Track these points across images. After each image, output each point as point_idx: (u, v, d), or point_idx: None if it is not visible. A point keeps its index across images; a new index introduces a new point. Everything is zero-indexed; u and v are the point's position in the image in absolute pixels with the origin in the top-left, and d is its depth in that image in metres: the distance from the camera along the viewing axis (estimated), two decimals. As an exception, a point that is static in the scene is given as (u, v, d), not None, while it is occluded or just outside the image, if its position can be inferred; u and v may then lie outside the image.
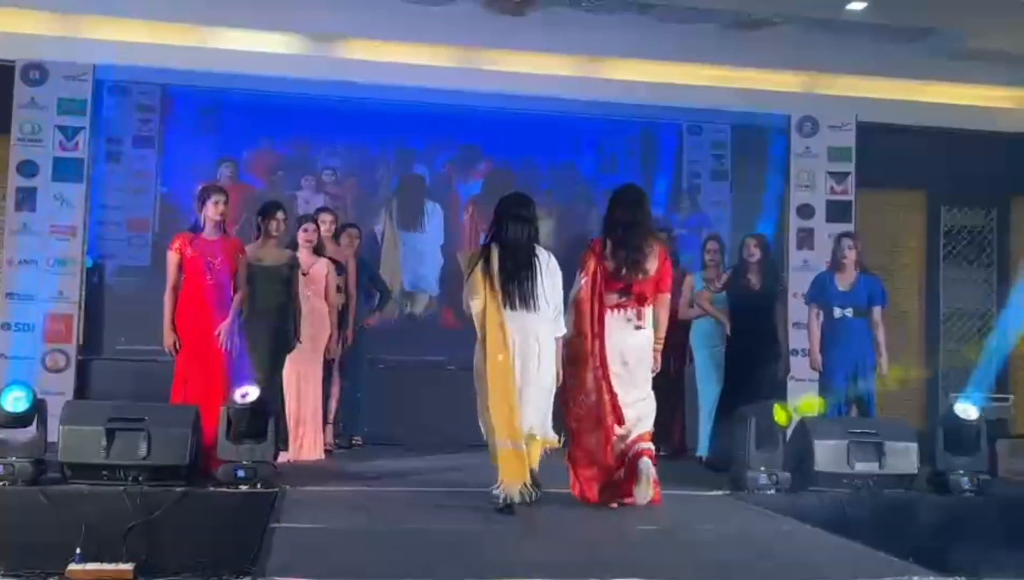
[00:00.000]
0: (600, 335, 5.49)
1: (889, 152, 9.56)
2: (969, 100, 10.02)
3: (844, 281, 7.18)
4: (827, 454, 6.23)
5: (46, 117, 8.52)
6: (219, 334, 6.32)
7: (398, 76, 9.10)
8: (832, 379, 7.10)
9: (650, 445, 5.63)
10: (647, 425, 5.65)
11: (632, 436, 5.58)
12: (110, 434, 5.58)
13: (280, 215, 6.92)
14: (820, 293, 7.24)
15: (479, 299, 5.33)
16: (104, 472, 5.57)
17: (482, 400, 5.43)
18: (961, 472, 6.33)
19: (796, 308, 8.25)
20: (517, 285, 5.31)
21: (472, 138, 10.22)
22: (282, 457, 6.58)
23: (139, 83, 9.62)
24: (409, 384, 8.46)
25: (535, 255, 5.39)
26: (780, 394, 7.46)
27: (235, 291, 6.46)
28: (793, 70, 9.82)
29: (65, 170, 8.51)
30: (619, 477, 5.58)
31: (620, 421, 5.51)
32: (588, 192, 10.07)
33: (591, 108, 9.80)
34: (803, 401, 6.81)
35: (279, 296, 6.82)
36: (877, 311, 7.14)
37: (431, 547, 4.69)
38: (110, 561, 5.05)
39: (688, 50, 9.44)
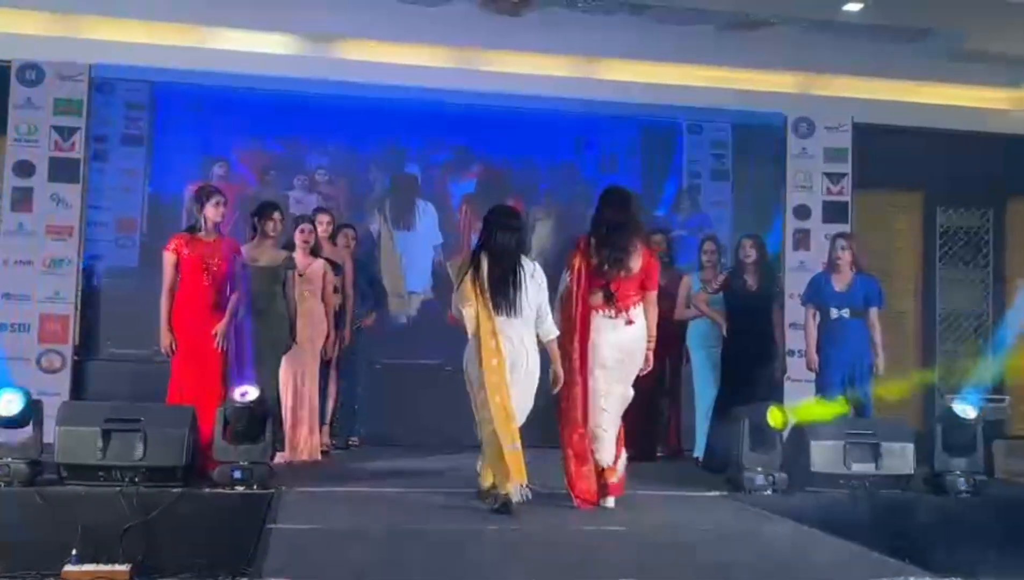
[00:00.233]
0: (582, 331, 5.60)
1: (885, 153, 9.56)
2: (965, 101, 10.03)
3: (840, 282, 7.18)
4: (823, 455, 6.24)
5: (42, 117, 8.51)
6: (215, 335, 6.31)
7: (394, 76, 9.09)
8: (829, 380, 7.09)
9: (617, 478, 5.69)
10: (606, 456, 5.67)
11: (600, 453, 5.66)
12: (106, 435, 5.57)
13: (277, 216, 6.92)
14: (816, 294, 7.24)
15: (471, 306, 5.47)
16: (100, 473, 5.56)
17: (475, 402, 5.55)
18: (957, 473, 6.34)
19: (793, 309, 8.26)
20: (504, 292, 5.47)
21: (466, 137, 10.12)
22: (279, 458, 6.59)
23: (127, 80, 9.37)
24: (406, 385, 8.46)
25: (521, 265, 5.55)
26: (777, 395, 7.47)
27: (231, 292, 6.45)
28: (789, 71, 9.83)
29: (61, 170, 8.49)
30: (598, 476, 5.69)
31: (586, 420, 5.63)
32: (588, 192, 9.97)
33: (590, 107, 9.76)
34: (802, 409, 6.75)
35: (275, 297, 6.81)
36: (874, 312, 7.14)
37: (428, 548, 4.69)
38: (106, 562, 5.04)
39: (685, 51, 9.44)
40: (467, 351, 5.58)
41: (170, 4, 8.72)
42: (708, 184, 10.43)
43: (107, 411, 5.75)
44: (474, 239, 6.42)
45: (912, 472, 6.36)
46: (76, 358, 8.50)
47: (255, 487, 5.64)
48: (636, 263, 5.68)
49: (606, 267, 5.63)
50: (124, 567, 5.03)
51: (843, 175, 9.66)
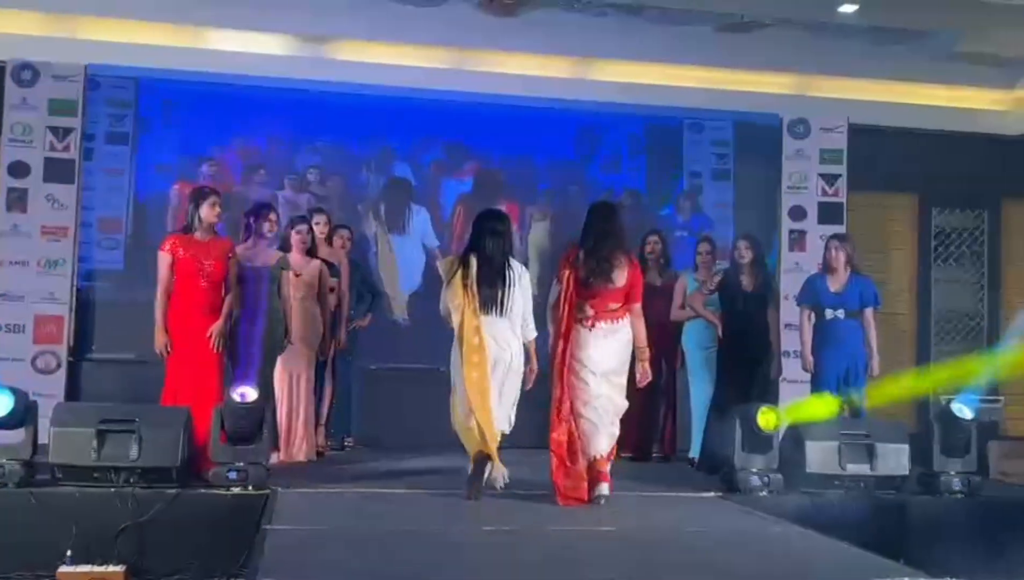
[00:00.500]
0: (565, 338, 5.80)
1: (881, 154, 9.59)
2: (960, 103, 10.05)
3: (835, 283, 7.19)
4: (819, 455, 6.24)
5: (37, 118, 8.50)
6: (211, 336, 6.30)
7: (388, 77, 9.08)
8: (824, 380, 7.10)
9: (605, 485, 5.80)
10: (603, 445, 5.82)
11: (592, 452, 5.80)
12: (101, 436, 5.56)
13: (273, 216, 6.92)
14: (812, 295, 7.25)
15: (458, 304, 5.73)
16: (95, 474, 5.54)
17: (456, 395, 5.85)
18: (952, 473, 6.35)
19: (788, 310, 8.27)
20: (491, 291, 5.74)
21: (460, 136, 9.98)
22: (273, 458, 6.57)
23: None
24: (401, 386, 8.45)
25: (509, 266, 5.82)
26: (772, 396, 7.47)
27: (226, 293, 6.44)
28: (785, 72, 9.83)
29: (56, 171, 8.48)
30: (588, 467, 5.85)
31: (574, 421, 5.80)
32: (587, 192, 9.98)
33: (588, 107, 9.73)
34: (794, 408, 6.74)
35: (269, 297, 6.80)
36: (869, 312, 7.15)
37: (423, 549, 4.69)
38: (101, 563, 5.05)
39: (680, 52, 9.44)
40: (453, 346, 5.82)
41: (166, 4, 8.69)
42: (709, 184, 10.30)
43: (102, 412, 5.73)
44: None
45: (907, 473, 6.37)
46: (71, 359, 8.49)
47: (250, 488, 5.63)
48: (621, 277, 5.89)
49: (592, 279, 5.83)
50: (119, 568, 5.04)
51: (838, 176, 9.67)
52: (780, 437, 6.36)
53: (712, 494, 6.24)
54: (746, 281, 7.40)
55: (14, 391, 5.65)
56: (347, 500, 5.90)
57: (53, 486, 5.54)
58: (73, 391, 8.36)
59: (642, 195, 10.14)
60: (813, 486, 6.18)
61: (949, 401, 6.72)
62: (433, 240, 9.68)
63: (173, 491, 5.50)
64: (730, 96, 9.68)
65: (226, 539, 5.27)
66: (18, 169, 8.45)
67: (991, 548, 5.37)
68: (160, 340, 6.26)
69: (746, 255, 7.41)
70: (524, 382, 5.92)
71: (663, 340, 7.91)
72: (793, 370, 7.89)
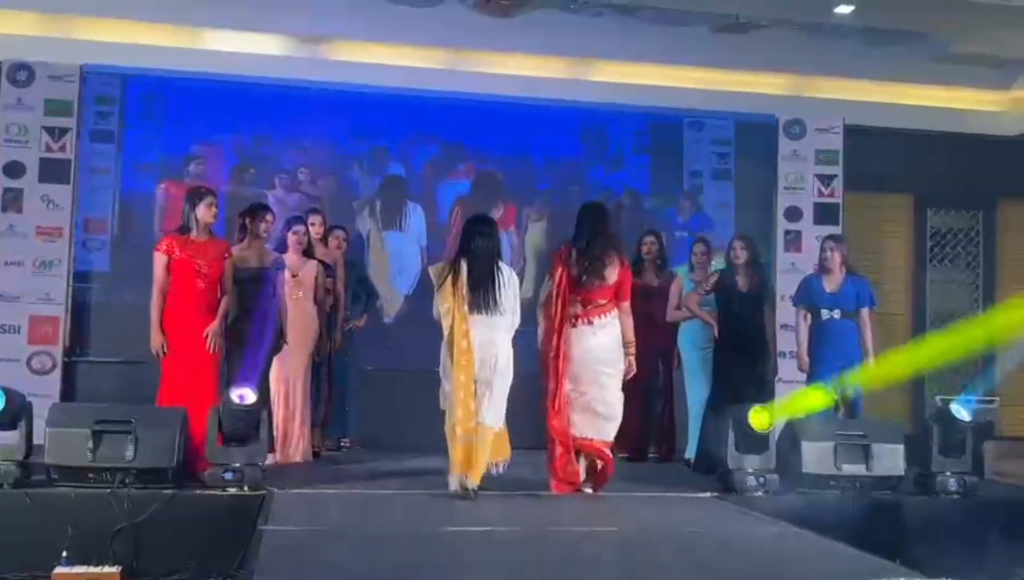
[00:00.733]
0: (559, 333, 6.04)
1: (876, 155, 9.60)
2: (956, 103, 10.07)
3: (831, 283, 7.21)
4: (815, 456, 6.25)
5: (33, 118, 8.48)
6: (207, 336, 6.29)
7: (384, 78, 9.07)
8: (820, 380, 7.09)
9: (601, 462, 6.13)
10: (609, 430, 6.13)
11: (588, 437, 6.09)
12: (97, 436, 5.55)
13: (269, 217, 6.93)
14: (807, 295, 7.26)
15: (448, 307, 5.93)
16: (91, 475, 5.53)
17: (445, 394, 6.00)
18: (948, 474, 6.36)
19: (784, 310, 8.27)
20: (482, 292, 5.92)
21: (457, 137, 9.89)
22: (270, 459, 6.56)
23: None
24: (397, 386, 8.45)
25: (498, 268, 6.01)
26: (768, 396, 7.47)
27: (222, 294, 6.43)
28: (781, 73, 9.85)
29: (52, 171, 8.46)
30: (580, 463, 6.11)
31: (554, 409, 6.05)
32: (585, 192, 9.94)
33: (585, 107, 9.72)
34: (786, 404, 6.74)
35: (265, 298, 6.79)
36: (865, 312, 7.16)
37: (420, 550, 4.68)
38: (97, 564, 5.03)
39: (676, 53, 9.45)
40: (443, 346, 5.99)
41: (162, 4, 8.68)
42: (709, 183, 10.24)
43: (98, 413, 5.72)
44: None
45: (902, 473, 6.37)
46: (66, 359, 8.47)
47: (246, 489, 5.62)
48: (612, 274, 6.14)
49: (585, 277, 6.07)
50: (114, 569, 5.03)
51: (834, 177, 9.68)
52: (776, 437, 6.36)
53: (708, 494, 6.24)
54: (742, 281, 7.40)
55: (6, 391, 5.63)
56: (343, 501, 5.90)
57: (49, 487, 5.52)
58: (68, 392, 8.35)
59: (642, 195, 10.12)
60: (809, 486, 6.19)
61: (947, 402, 6.73)
62: (423, 240, 9.65)
63: (169, 492, 5.49)
64: (726, 97, 9.69)
65: (222, 540, 5.26)
66: (14, 169, 8.44)
67: (987, 548, 5.38)
68: (156, 341, 6.24)
69: (741, 255, 7.41)
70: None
71: (660, 340, 7.93)
72: (789, 370, 7.89)
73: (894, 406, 9.69)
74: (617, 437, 7.97)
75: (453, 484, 5.88)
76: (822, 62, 9.69)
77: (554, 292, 6.08)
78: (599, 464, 6.18)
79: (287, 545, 4.61)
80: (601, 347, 6.10)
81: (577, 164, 10.18)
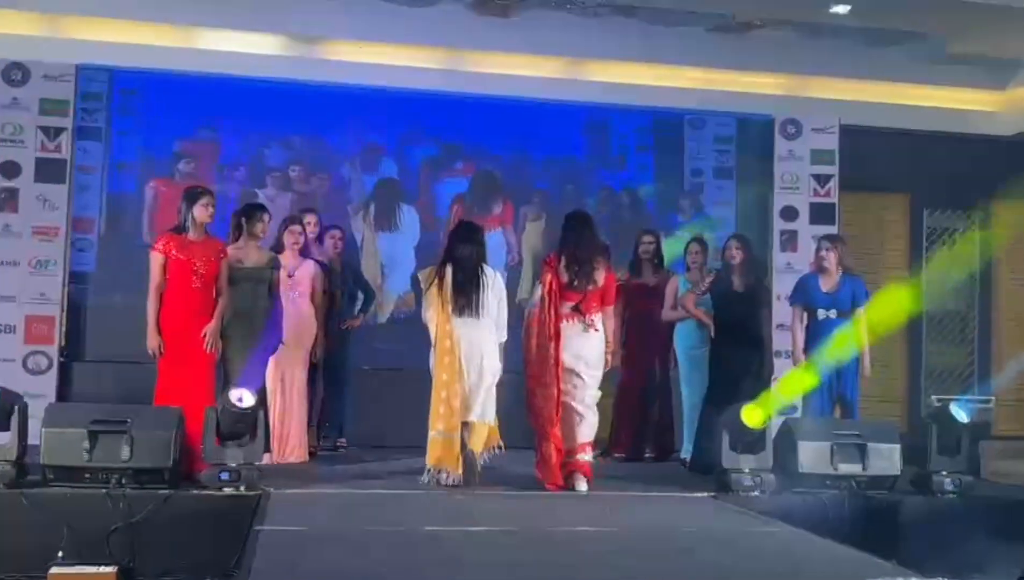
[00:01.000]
0: (555, 338, 6.24)
1: (872, 155, 9.61)
2: (951, 103, 10.08)
3: (827, 283, 7.21)
4: (811, 455, 6.25)
5: (28, 118, 8.46)
6: (205, 335, 6.29)
7: (380, 78, 9.06)
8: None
9: (588, 457, 6.36)
10: (588, 433, 6.35)
11: (577, 440, 6.30)
12: (93, 436, 5.53)
13: (266, 217, 6.93)
14: (803, 295, 7.27)
15: (433, 311, 6.28)
16: (86, 475, 5.52)
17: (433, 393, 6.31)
18: (944, 473, 6.37)
19: (780, 310, 8.27)
20: (466, 296, 6.24)
21: (454, 136, 9.84)
22: (266, 459, 6.55)
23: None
24: (393, 386, 8.42)
25: (483, 272, 6.32)
26: (764, 396, 7.47)
27: (218, 293, 6.42)
28: (777, 73, 9.85)
29: (47, 171, 8.44)
30: (566, 460, 6.31)
31: (559, 413, 6.24)
32: (584, 191, 9.92)
33: (583, 106, 9.71)
34: (776, 393, 6.72)
35: (261, 298, 6.79)
36: (860, 312, 7.17)
37: (416, 550, 4.68)
38: (92, 564, 5.02)
39: (673, 53, 9.45)
40: (431, 350, 6.32)
41: (160, 4, 8.66)
42: (711, 182, 10.21)
43: (93, 413, 5.70)
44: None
45: (899, 473, 6.38)
46: (62, 360, 8.46)
47: (242, 489, 5.61)
48: (600, 278, 6.40)
49: (575, 282, 6.32)
50: (110, 569, 5.01)
51: (830, 176, 9.68)
52: (772, 437, 6.36)
53: (705, 494, 6.24)
54: (737, 281, 7.40)
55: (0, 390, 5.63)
56: (339, 500, 5.90)
57: (45, 487, 5.51)
58: (64, 391, 8.33)
59: (642, 194, 10.12)
60: (805, 486, 6.19)
61: (945, 402, 6.74)
62: (417, 240, 9.60)
63: (165, 492, 5.48)
64: (722, 97, 9.70)
65: (218, 540, 5.26)
66: (9, 169, 8.42)
67: (983, 548, 5.39)
68: (153, 341, 6.22)
69: (736, 255, 7.41)
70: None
71: (656, 340, 7.94)
72: (785, 370, 7.89)
73: (891, 405, 9.72)
74: (613, 436, 8.06)
75: (426, 477, 6.24)
76: (818, 62, 9.70)
77: (545, 299, 6.28)
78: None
79: (283, 545, 4.61)
80: (588, 347, 6.34)
81: (576, 163, 10.13)
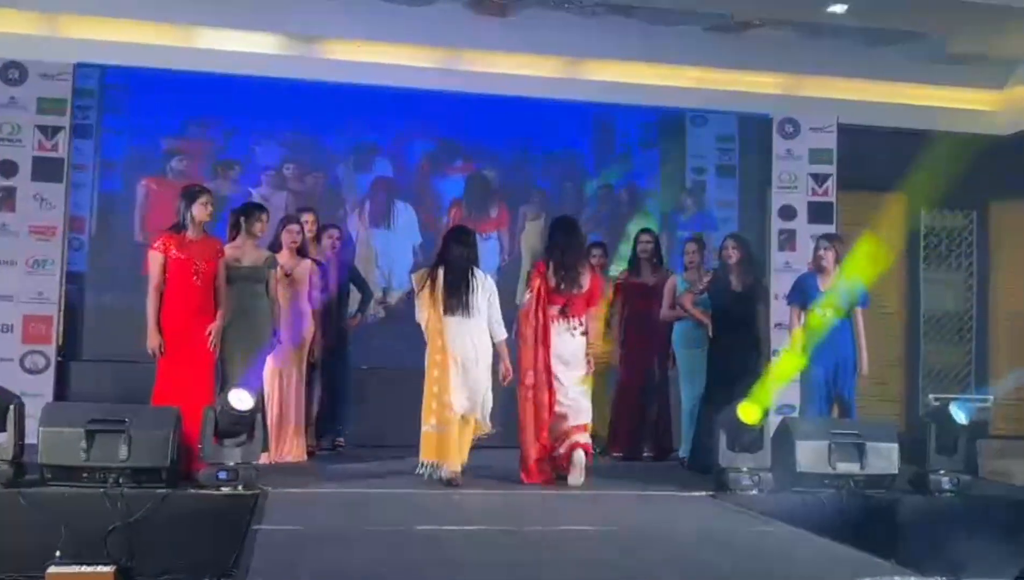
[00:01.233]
0: (544, 341, 6.51)
1: (870, 154, 9.60)
2: (949, 103, 10.08)
3: (825, 282, 7.22)
4: (809, 455, 6.26)
5: (25, 117, 8.45)
6: (210, 333, 6.28)
7: (378, 77, 9.05)
8: (813, 379, 7.12)
9: (586, 438, 6.61)
10: (583, 418, 6.60)
11: (569, 424, 6.53)
12: (90, 436, 5.52)
13: (265, 217, 6.92)
14: (801, 294, 7.27)
15: (425, 312, 6.48)
16: (84, 474, 5.51)
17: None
18: (942, 472, 6.37)
19: (778, 309, 8.27)
20: (457, 294, 6.42)
21: (452, 135, 9.83)
22: (264, 458, 6.55)
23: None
24: (391, 385, 8.40)
25: (473, 274, 6.49)
26: (762, 395, 7.47)
27: (217, 292, 6.41)
28: (775, 72, 9.85)
29: (45, 170, 8.42)
30: (557, 454, 6.54)
31: (552, 414, 6.51)
32: (582, 191, 9.91)
33: (581, 106, 9.70)
34: (767, 384, 6.73)
35: (258, 297, 6.78)
36: (858, 311, 7.17)
37: (414, 549, 4.68)
38: (90, 564, 5.01)
39: (671, 52, 9.45)
40: (426, 351, 6.47)
41: (158, 3, 8.64)
42: (713, 181, 10.20)
43: (91, 412, 5.69)
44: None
45: (896, 472, 6.38)
46: (60, 359, 8.45)
47: (240, 488, 5.62)
48: (586, 282, 6.66)
49: (563, 286, 6.57)
50: (108, 568, 5.00)
51: (828, 176, 9.69)
52: (770, 436, 6.36)
53: (703, 493, 6.25)
54: (735, 281, 7.40)
55: None
56: (337, 500, 5.90)
57: (42, 486, 5.51)
58: (62, 391, 8.32)
59: (643, 192, 10.11)
60: (803, 485, 6.19)
61: (943, 402, 6.74)
62: (416, 237, 9.60)
63: (163, 491, 5.48)
64: (721, 96, 9.69)
65: (216, 539, 5.25)
66: (6, 168, 8.40)
67: (981, 546, 5.39)
68: (153, 340, 6.21)
69: (733, 255, 7.41)
70: (500, 379, 6.60)
71: (654, 340, 7.95)
72: (783, 369, 7.89)
73: (889, 405, 9.72)
74: (611, 435, 8.06)
75: (419, 469, 6.38)
76: (817, 61, 9.70)
77: (534, 303, 6.55)
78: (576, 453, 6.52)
79: (281, 544, 4.61)
80: (573, 348, 6.59)
81: (576, 161, 10.12)
